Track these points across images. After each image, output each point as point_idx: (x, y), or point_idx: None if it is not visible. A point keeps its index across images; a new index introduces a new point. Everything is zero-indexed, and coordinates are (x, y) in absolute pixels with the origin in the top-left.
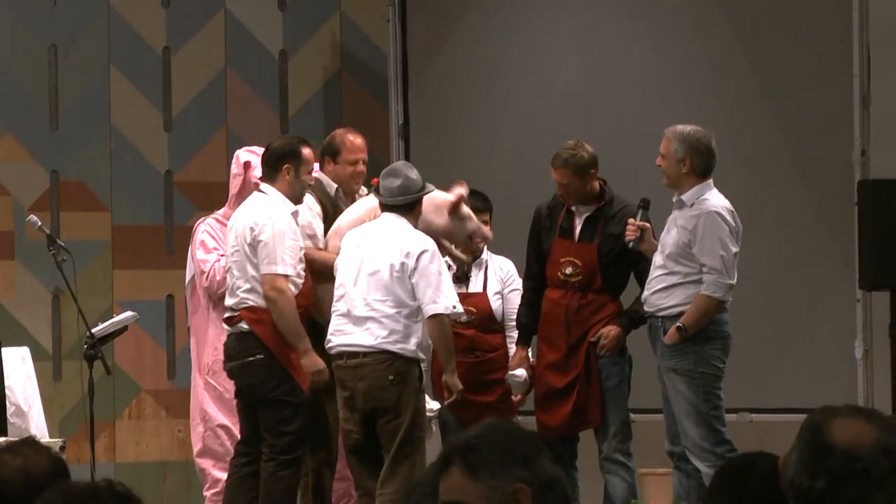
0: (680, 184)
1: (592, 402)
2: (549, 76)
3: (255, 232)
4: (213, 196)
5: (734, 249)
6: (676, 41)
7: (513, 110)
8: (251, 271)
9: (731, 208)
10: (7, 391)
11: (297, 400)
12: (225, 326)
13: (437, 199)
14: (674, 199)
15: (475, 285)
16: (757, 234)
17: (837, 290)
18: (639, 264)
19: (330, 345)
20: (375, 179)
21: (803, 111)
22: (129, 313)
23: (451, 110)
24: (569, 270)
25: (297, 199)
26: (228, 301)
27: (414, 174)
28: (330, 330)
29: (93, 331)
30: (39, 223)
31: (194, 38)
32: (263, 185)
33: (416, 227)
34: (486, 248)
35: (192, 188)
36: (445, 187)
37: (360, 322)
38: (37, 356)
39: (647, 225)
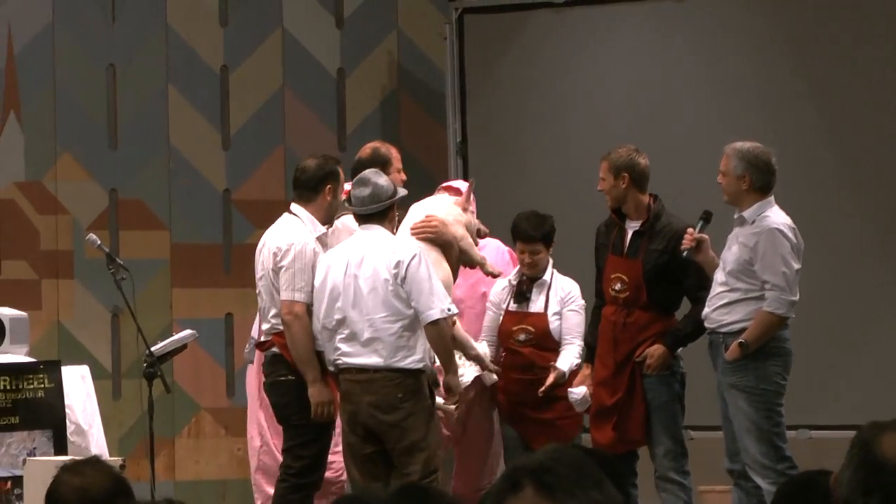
0: (740, 201)
1: (635, 420)
2: (604, 93)
3: (277, 257)
4: (271, 214)
5: (796, 266)
6: (733, 60)
7: (569, 127)
8: (277, 296)
9: (793, 225)
10: (67, 410)
11: (318, 425)
12: (261, 352)
13: (449, 208)
14: (735, 216)
15: (536, 305)
16: (813, 250)
17: (895, 306)
18: (686, 279)
19: (338, 362)
20: (347, 191)
21: (861, 133)
22: (188, 331)
23: (509, 127)
24: (618, 287)
25: (330, 220)
26: (263, 326)
27: (383, 181)
28: (335, 351)
29: (152, 349)
30: (99, 242)
31: (252, 56)
32: (295, 207)
33: (392, 232)
34: (549, 268)
35: (249, 206)
36: (503, 205)
37: (367, 343)
38: (96, 375)
39: (706, 237)
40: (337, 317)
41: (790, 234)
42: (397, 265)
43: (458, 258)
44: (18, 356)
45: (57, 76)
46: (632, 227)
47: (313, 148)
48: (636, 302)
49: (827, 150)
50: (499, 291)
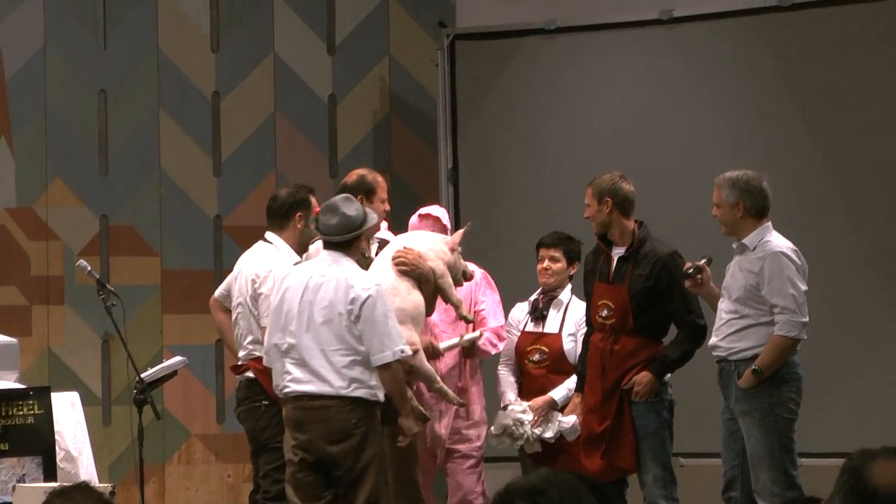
0: (738, 229)
1: (624, 448)
2: (596, 120)
3: (255, 284)
4: None
5: (803, 287)
6: (724, 85)
7: (561, 154)
8: (254, 323)
9: (795, 248)
10: (57, 436)
11: None
12: (235, 375)
13: (431, 243)
14: (734, 245)
15: (552, 325)
16: (808, 276)
17: (888, 334)
18: (672, 304)
19: (287, 390)
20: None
21: (853, 155)
22: (178, 358)
23: (500, 154)
24: (604, 313)
25: (303, 248)
26: (240, 353)
27: (352, 210)
28: (283, 376)
29: (142, 375)
30: (89, 268)
31: (244, 82)
32: (269, 235)
33: (357, 261)
34: (568, 289)
35: (241, 232)
36: (493, 230)
37: (318, 373)
38: (86, 401)
39: (706, 268)
40: (290, 340)
41: (794, 257)
42: (352, 301)
43: (434, 293)
44: (8, 382)
45: (48, 102)
46: (617, 252)
47: (305, 174)
48: (623, 328)
49: (820, 171)
50: (517, 313)
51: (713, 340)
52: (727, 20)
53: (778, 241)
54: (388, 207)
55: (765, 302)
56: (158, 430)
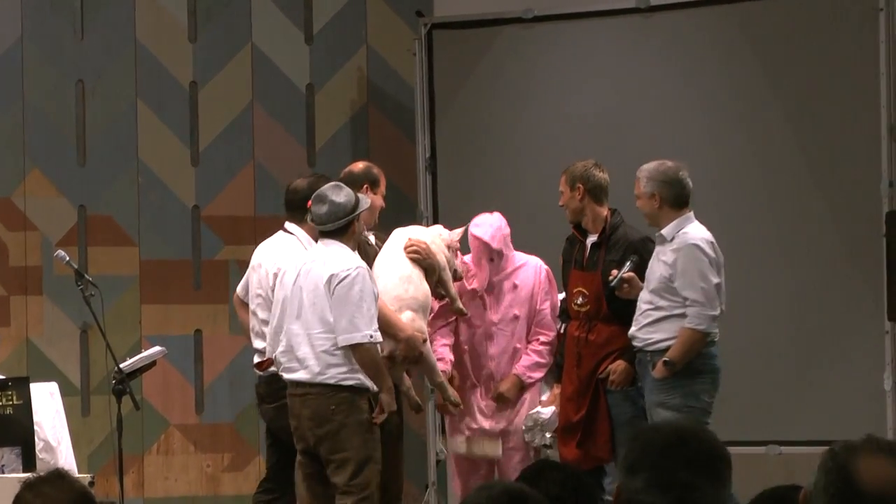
0: (658, 220)
1: (600, 437)
2: (574, 109)
3: (279, 277)
4: (241, 230)
5: (715, 280)
6: (701, 73)
7: (539, 143)
8: None
9: (711, 240)
10: (36, 427)
11: None
12: (256, 371)
13: (433, 238)
14: (655, 236)
15: None
16: (784, 266)
17: (866, 322)
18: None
19: (284, 378)
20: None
21: (830, 143)
22: (157, 348)
23: (478, 143)
24: (579, 300)
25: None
26: (258, 345)
27: (341, 198)
28: (278, 363)
29: (121, 366)
30: (67, 258)
31: (221, 72)
32: (290, 226)
33: (353, 249)
34: None
35: (219, 223)
36: (472, 219)
37: (303, 358)
38: (65, 391)
39: (632, 275)
40: (284, 327)
41: (708, 249)
42: (330, 279)
43: (435, 289)
44: None
45: (25, 92)
46: (591, 240)
47: (283, 164)
48: (597, 315)
49: (799, 161)
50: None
51: (631, 331)
52: (703, 8)
53: (694, 233)
54: (383, 204)
55: (678, 294)
56: (137, 421)
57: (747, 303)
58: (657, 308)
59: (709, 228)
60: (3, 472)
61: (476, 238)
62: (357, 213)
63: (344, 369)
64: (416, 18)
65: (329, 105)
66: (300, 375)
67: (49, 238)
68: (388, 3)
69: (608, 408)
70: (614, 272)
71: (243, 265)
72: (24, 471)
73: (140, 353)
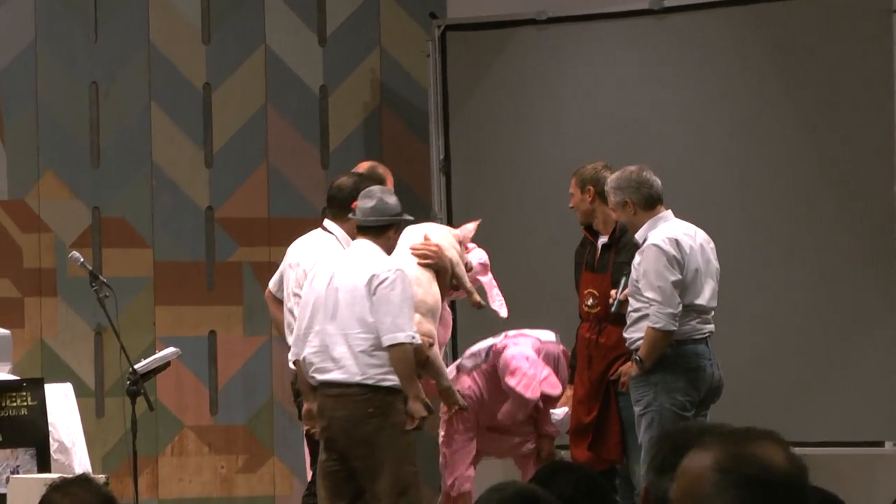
0: (636, 226)
1: (611, 439)
2: (588, 110)
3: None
4: (254, 231)
5: (672, 278)
6: (715, 75)
7: (552, 144)
8: None
9: (674, 237)
10: (50, 428)
11: None
12: (291, 367)
13: (444, 235)
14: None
15: None
16: (797, 268)
17: (878, 324)
18: None
19: (314, 379)
20: (355, 202)
21: (843, 145)
22: (171, 349)
23: (492, 145)
24: (590, 302)
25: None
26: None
27: (391, 199)
28: (309, 365)
29: (135, 367)
30: (82, 260)
31: (235, 74)
32: (329, 224)
33: (388, 253)
34: None
35: (233, 224)
36: (485, 222)
37: (339, 358)
38: (80, 392)
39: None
40: (316, 328)
41: (667, 247)
42: (372, 279)
43: (449, 283)
44: (1, 374)
45: (39, 94)
46: (601, 241)
47: (296, 166)
48: (607, 316)
49: (812, 162)
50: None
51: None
52: (718, 10)
53: (657, 233)
54: None
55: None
56: (151, 422)
57: (760, 305)
58: (636, 310)
59: (722, 230)
60: (18, 473)
61: (511, 388)
62: (400, 218)
63: (383, 370)
64: (430, 20)
65: (342, 107)
66: (335, 376)
67: (63, 240)
68: (402, 5)
69: (619, 409)
70: (613, 293)
71: (257, 266)
72: (39, 472)
73: (154, 354)
